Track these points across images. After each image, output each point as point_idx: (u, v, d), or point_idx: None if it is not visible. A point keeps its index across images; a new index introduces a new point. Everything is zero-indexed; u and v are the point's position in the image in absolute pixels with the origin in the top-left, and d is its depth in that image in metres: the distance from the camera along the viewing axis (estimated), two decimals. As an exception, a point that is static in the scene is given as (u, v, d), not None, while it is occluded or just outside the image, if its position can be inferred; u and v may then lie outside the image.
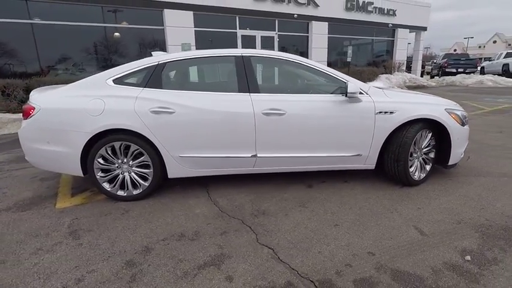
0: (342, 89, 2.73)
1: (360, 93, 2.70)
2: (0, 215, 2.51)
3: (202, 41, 10.28)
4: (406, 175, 2.80)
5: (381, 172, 3.05)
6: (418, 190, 2.82)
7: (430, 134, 2.86)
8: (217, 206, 2.61)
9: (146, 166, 2.68)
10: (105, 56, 9.33)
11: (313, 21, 13.02)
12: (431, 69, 23.08)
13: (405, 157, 2.73)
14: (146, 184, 2.70)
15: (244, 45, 11.36)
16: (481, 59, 24.21)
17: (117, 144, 2.58)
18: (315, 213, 2.43)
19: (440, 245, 1.97)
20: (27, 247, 2.05)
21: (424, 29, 17.83)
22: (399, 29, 16.49)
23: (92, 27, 8.85)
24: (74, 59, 8.95)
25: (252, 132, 2.64)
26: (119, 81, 2.65)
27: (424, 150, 2.91)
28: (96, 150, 2.56)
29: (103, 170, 2.67)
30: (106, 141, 2.55)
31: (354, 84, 2.62)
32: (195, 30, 10.01)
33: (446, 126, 2.78)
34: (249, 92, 2.66)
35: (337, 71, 2.82)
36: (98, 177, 2.64)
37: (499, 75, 16.55)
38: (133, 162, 2.66)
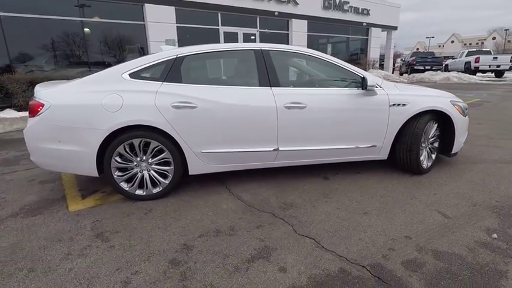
0: (357, 83, 2.82)
1: (375, 86, 2.81)
2: (8, 222, 2.31)
3: (184, 38, 10.04)
4: (417, 164, 2.95)
5: (388, 162, 3.20)
6: (427, 178, 2.99)
7: (436, 125, 3.04)
8: (242, 200, 2.59)
9: (166, 163, 2.59)
10: (80, 52, 8.80)
11: (293, 19, 13.22)
12: (400, 66, 24.33)
13: (417, 147, 2.89)
14: (166, 182, 2.62)
15: (226, 42, 11.25)
16: (445, 57, 25.92)
17: (136, 142, 2.47)
18: (341, 203, 2.50)
19: (466, 226, 2.11)
20: (54, 253, 1.91)
21: (395, 28, 18.76)
22: (373, 28, 17.22)
23: (67, 21, 8.31)
24: (46, 55, 8.35)
25: (275, 126, 2.65)
26: (135, 75, 2.53)
27: (431, 140, 3.09)
28: (113, 148, 2.43)
29: (120, 169, 2.54)
30: (125, 139, 2.43)
31: (372, 78, 2.72)
32: (177, 26, 9.76)
33: (452, 117, 2.97)
34: (270, 86, 2.66)
35: (352, 65, 2.90)
36: (115, 176, 2.51)
37: (461, 72, 17.85)
38: (153, 160, 2.56)
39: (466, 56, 18.65)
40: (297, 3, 13.02)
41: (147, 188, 2.60)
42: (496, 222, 2.15)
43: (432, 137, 3.09)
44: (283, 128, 2.66)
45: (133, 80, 2.51)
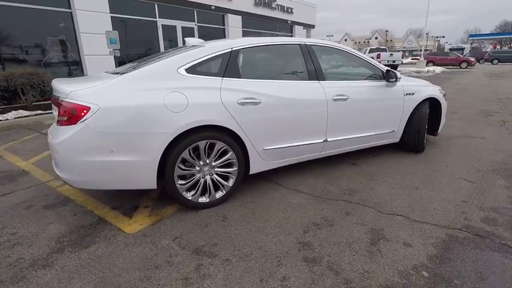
0: (380, 76, 3.15)
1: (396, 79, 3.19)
2: (59, 260, 1.81)
3: (120, 30, 8.93)
4: (422, 144, 3.51)
5: (389, 145, 3.69)
6: (427, 155, 3.58)
7: (429, 110, 3.66)
8: (305, 193, 2.63)
9: (229, 165, 2.42)
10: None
11: (228, 14, 13.19)
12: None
13: (424, 129, 3.43)
14: (230, 185, 2.45)
15: (165, 36, 10.52)
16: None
17: (202, 144, 2.23)
18: (389, 183, 2.80)
19: (491, 187, 2.67)
20: (167, 281, 1.62)
21: (313, 26, 20.64)
22: (296, 26, 18.58)
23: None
24: None
25: (325, 118, 2.76)
26: (192, 70, 2.26)
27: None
28: (178, 153, 2.15)
29: (182, 177, 2.26)
30: (190, 141, 2.17)
31: (394, 72, 3.09)
32: (111, 17, 8.60)
33: (441, 102, 3.63)
34: (318, 80, 2.75)
35: (374, 60, 3.22)
36: (178, 186, 2.22)
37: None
38: (217, 163, 2.35)
39: (369, 53, 21.95)
40: (231, -2, 13.02)
41: (210, 194, 2.38)
42: (506, 181, 2.78)
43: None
44: (331, 120, 2.80)
45: (192, 75, 2.24)
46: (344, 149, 3.10)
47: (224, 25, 13.37)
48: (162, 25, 10.36)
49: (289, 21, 17.71)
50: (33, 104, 6.72)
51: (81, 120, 1.91)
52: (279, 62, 2.83)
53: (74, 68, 8.31)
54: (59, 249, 1.92)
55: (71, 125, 1.93)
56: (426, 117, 3.43)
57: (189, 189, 2.31)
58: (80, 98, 1.94)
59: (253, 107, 2.38)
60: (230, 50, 2.43)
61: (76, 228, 2.16)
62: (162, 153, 2.09)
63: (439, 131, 3.83)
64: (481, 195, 2.51)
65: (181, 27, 11.13)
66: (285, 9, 17.00)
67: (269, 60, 2.77)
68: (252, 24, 15.00)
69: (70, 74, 8.15)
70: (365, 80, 3.13)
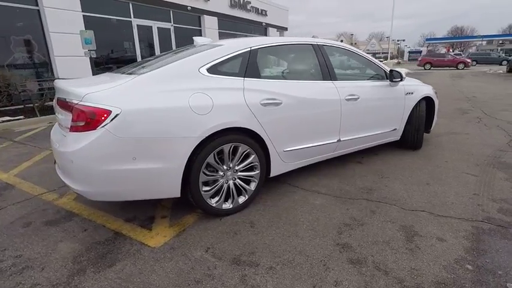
0: (381, 76, 3.23)
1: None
2: (85, 282, 1.61)
3: (94, 29, 8.38)
4: (421, 141, 3.66)
5: (389, 144, 3.81)
6: (425, 151, 3.73)
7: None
8: (324, 194, 2.61)
9: (251, 168, 2.33)
10: None
11: (205, 15, 12.97)
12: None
13: (422, 127, 3.58)
14: (252, 189, 2.36)
15: (141, 36, 10.08)
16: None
17: (226, 147, 2.13)
18: (401, 180, 2.87)
19: (494, 179, 2.84)
20: (215, 295, 1.51)
21: (286, 29, 20.96)
22: (270, 28, 18.74)
23: None
24: None
25: (339, 118, 2.77)
26: (214, 70, 2.15)
27: (422, 120, 3.86)
28: (203, 158, 2.02)
29: (205, 183, 2.13)
30: (216, 145, 2.06)
31: (398, 72, 3.18)
32: (83, 16, 8.05)
33: (435, 101, 3.81)
34: (331, 80, 2.76)
35: (377, 60, 3.30)
36: (202, 192, 2.09)
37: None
38: (239, 166, 2.26)
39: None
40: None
41: (233, 199, 2.28)
42: (508, 174, 2.97)
43: (421, 118, 3.87)
44: (344, 120, 2.81)
45: (214, 75, 2.13)
46: (353, 148, 3.14)
47: (200, 26, 13.12)
48: (137, 25, 9.90)
49: (263, 24, 17.83)
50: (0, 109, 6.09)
51: (101, 125, 1.73)
52: (295, 61, 2.80)
53: (43, 70, 7.66)
54: (79, 270, 1.71)
55: (89, 130, 1.73)
56: (424, 116, 3.58)
57: (212, 196, 2.19)
58: (98, 101, 1.75)
59: (275, 108, 2.32)
60: (249, 49, 2.35)
61: (92, 245, 1.95)
62: (187, 158, 1.95)
63: (431, 129, 4.02)
64: (488, 188, 2.66)
65: (157, 27, 10.72)
66: (259, 12, 17.08)
67: (286, 60, 2.72)
68: (228, 25, 14.89)
69: (39, 76, 7.50)
70: (370, 79, 3.19)
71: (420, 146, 3.72)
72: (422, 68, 24.92)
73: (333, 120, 2.74)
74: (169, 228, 2.13)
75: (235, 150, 2.19)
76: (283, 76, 2.50)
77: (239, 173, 2.28)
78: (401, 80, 3.19)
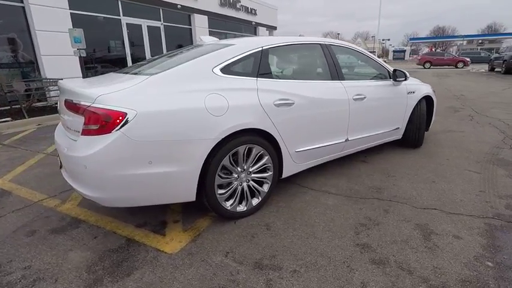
0: (384, 75, 3.26)
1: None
2: (102, 293, 1.54)
3: (82, 28, 8.12)
4: (422, 139, 3.72)
5: (390, 142, 3.86)
6: (425, 149, 3.80)
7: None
8: (334, 194, 2.61)
9: (264, 170, 2.30)
10: None
11: (195, 14, 12.79)
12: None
13: (423, 125, 3.64)
14: (265, 190, 2.33)
15: (131, 35, 9.85)
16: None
17: (241, 149, 2.08)
18: (408, 179, 2.90)
19: (496, 176, 2.91)
20: (243, 301, 1.47)
21: (275, 28, 20.97)
22: (260, 27, 18.71)
23: None
24: None
25: (347, 117, 2.77)
26: (227, 70, 2.10)
27: (421, 119, 3.93)
28: (219, 160, 1.98)
29: (221, 186, 2.08)
30: (231, 147, 2.02)
31: (403, 72, 3.22)
32: (71, 13, 7.78)
33: (434, 99, 3.88)
34: (339, 79, 2.76)
35: (380, 60, 3.33)
36: (217, 195, 2.04)
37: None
38: (253, 168, 2.22)
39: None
40: (197, -2, 12.66)
41: (247, 201, 2.24)
42: (508, 170, 3.05)
43: (420, 117, 3.93)
44: (352, 119, 2.82)
45: (227, 76, 2.08)
46: (359, 148, 3.16)
47: (191, 25, 12.94)
48: (126, 23, 9.66)
49: (253, 23, 17.77)
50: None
51: (117, 128, 1.65)
52: (305, 61, 2.79)
53: (29, 69, 7.35)
54: (95, 280, 1.64)
55: (104, 134, 1.66)
56: (425, 114, 3.64)
57: (227, 199, 2.14)
58: (112, 103, 1.68)
59: (287, 108, 2.29)
60: (261, 49, 2.31)
61: (105, 253, 1.87)
62: (204, 161, 1.90)
63: (430, 127, 4.09)
64: (492, 185, 2.72)
65: (147, 26, 10.50)
66: (249, 11, 17.02)
67: (296, 59, 2.70)
68: (218, 24, 14.76)
69: (25, 76, 7.20)
70: (374, 79, 3.21)
71: (421, 144, 3.79)
72: (422, 66, 24.69)
73: (342, 120, 2.74)
74: (183, 233, 2.07)
75: (249, 151, 2.16)
76: (294, 76, 2.48)
77: (253, 175, 2.24)
78: (405, 80, 3.23)
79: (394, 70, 3.23)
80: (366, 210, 2.33)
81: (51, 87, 6.89)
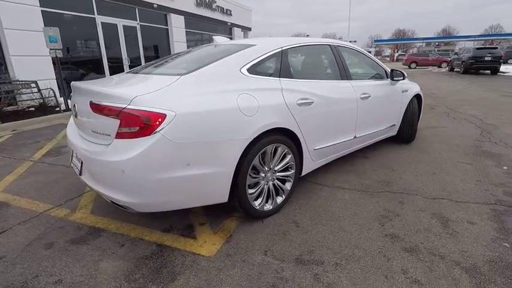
0: (380, 75, 3.44)
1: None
2: (151, 300, 1.49)
3: (54, 26, 7.62)
4: (414, 135, 3.96)
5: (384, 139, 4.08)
6: (415, 144, 4.05)
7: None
8: (347, 189, 2.71)
9: (287, 168, 2.34)
10: None
11: (171, 14, 12.50)
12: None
13: (416, 121, 3.88)
14: (288, 188, 2.37)
15: (106, 35, 9.40)
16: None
17: (269, 148, 2.11)
18: (411, 171, 3.09)
19: (488, 166, 3.19)
20: (298, 297, 1.50)
21: (250, 29, 21.08)
22: (235, 28, 18.70)
23: None
24: None
25: (355, 116, 2.90)
26: (252, 70, 2.12)
27: (411, 116, 4.18)
28: (250, 160, 1.99)
29: (250, 186, 2.09)
30: (261, 146, 2.04)
31: (401, 72, 3.41)
32: (42, 11, 7.27)
33: (422, 97, 4.15)
34: (347, 79, 2.87)
35: (379, 60, 3.50)
36: (248, 196, 2.05)
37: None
38: (278, 167, 2.25)
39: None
40: (173, -3, 12.38)
41: (273, 200, 2.26)
42: (494, 160, 3.35)
43: (410, 114, 4.19)
44: (359, 117, 2.95)
45: (253, 76, 2.10)
46: (364, 144, 3.30)
47: (167, 25, 12.62)
48: (101, 23, 9.20)
49: (228, 23, 17.73)
50: None
51: (156, 130, 1.61)
52: (318, 61, 2.86)
53: (-5, 71, 6.77)
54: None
55: (143, 136, 1.60)
56: (417, 111, 3.89)
57: (255, 198, 2.15)
58: (150, 104, 1.63)
59: (308, 108, 2.35)
60: (281, 49, 2.35)
61: (139, 260, 1.80)
62: (237, 161, 1.90)
63: (418, 123, 4.37)
64: (485, 174, 2.98)
65: (123, 25, 10.08)
66: (225, 11, 16.95)
67: (311, 60, 2.77)
68: (195, 25, 14.54)
69: (-8, 79, 6.61)
70: (373, 78, 3.37)
71: (413, 139, 4.04)
72: (407, 67, 25.63)
73: (351, 118, 2.86)
74: (214, 235, 2.05)
75: (275, 151, 2.18)
76: (311, 76, 2.55)
77: (277, 174, 2.27)
78: (403, 79, 3.43)
79: (391, 70, 3.42)
80: (382, 203, 2.46)
81: (24, 90, 6.40)
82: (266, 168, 2.16)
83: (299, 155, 2.40)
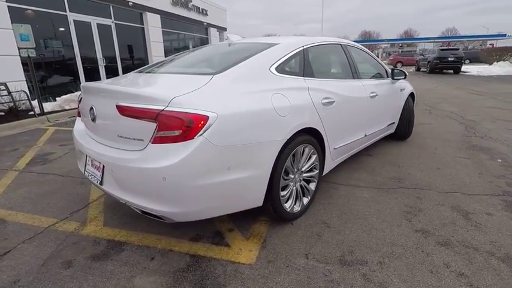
0: (380, 74, 3.54)
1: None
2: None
3: (23, 23, 7.01)
4: (410, 131, 4.12)
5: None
6: (410, 141, 4.22)
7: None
8: (363, 187, 2.75)
9: (311, 169, 2.31)
10: None
11: (147, 12, 12.03)
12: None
13: (412, 119, 4.04)
14: (313, 189, 2.35)
15: (79, 33, 8.83)
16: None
17: (299, 149, 2.07)
18: (416, 167, 3.20)
19: (487, 159, 3.39)
20: (355, 299, 1.47)
21: (225, 29, 20.90)
22: (211, 28, 18.44)
23: None
24: None
25: (366, 114, 2.95)
26: (280, 69, 2.06)
27: (405, 113, 4.35)
28: (283, 161, 1.94)
29: (282, 188, 2.03)
30: (293, 147, 1.99)
31: (402, 71, 3.52)
32: (8, 6, 6.65)
33: (415, 95, 4.33)
34: (358, 78, 2.91)
35: (380, 59, 3.59)
36: (281, 198, 1.99)
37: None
38: (305, 168, 2.22)
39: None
40: (148, -5, 11.92)
41: (300, 201, 2.23)
42: (486, 154, 3.57)
43: (403, 112, 4.35)
44: (369, 115, 3.00)
45: (281, 75, 2.05)
46: (370, 142, 3.36)
47: (143, 24, 12.13)
48: (74, 20, 8.62)
49: (204, 23, 17.44)
50: None
51: (199, 133, 1.50)
52: (334, 60, 2.87)
53: (-45, 72, 6.08)
54: (187, 304, 1.46)
55: (185, 141, 1.49)
56: (413, 109, 4.05)
57: (286, 201, 2.10)
58: (191, 106, 1.52)
59: (330, 107, 2.35)
60: (302, 48, 2.32)
61: (176, 274, 1.68)
62: (273, 162, 1.84)
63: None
64: (484, 167, 3.16)
65: (97, 24, 9.51)
66: (200, 11, 16.65)
67: (327, 59, 2.76)
68: (171, 24, 14.12)
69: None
70: (375, 78, 3.45)
71: (409, 136, 4.20)
72: (393, 66, 26.26)
73: (363, 117, 2.90)
74: (247, 241, 1.97)
75: (303, 151, 2.15)
76: (329, 75, 2.55)
77: (304, 175, 2.24)
78: (404, 78, 3.55)
79: (392, 69, 3.53)
80: (401, 199, 2.51)
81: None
82: (295, 170, 2.12)
83: (322, 155, 2.39)
